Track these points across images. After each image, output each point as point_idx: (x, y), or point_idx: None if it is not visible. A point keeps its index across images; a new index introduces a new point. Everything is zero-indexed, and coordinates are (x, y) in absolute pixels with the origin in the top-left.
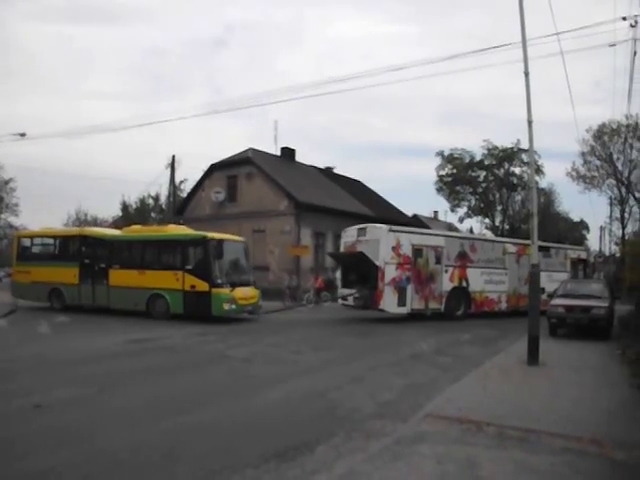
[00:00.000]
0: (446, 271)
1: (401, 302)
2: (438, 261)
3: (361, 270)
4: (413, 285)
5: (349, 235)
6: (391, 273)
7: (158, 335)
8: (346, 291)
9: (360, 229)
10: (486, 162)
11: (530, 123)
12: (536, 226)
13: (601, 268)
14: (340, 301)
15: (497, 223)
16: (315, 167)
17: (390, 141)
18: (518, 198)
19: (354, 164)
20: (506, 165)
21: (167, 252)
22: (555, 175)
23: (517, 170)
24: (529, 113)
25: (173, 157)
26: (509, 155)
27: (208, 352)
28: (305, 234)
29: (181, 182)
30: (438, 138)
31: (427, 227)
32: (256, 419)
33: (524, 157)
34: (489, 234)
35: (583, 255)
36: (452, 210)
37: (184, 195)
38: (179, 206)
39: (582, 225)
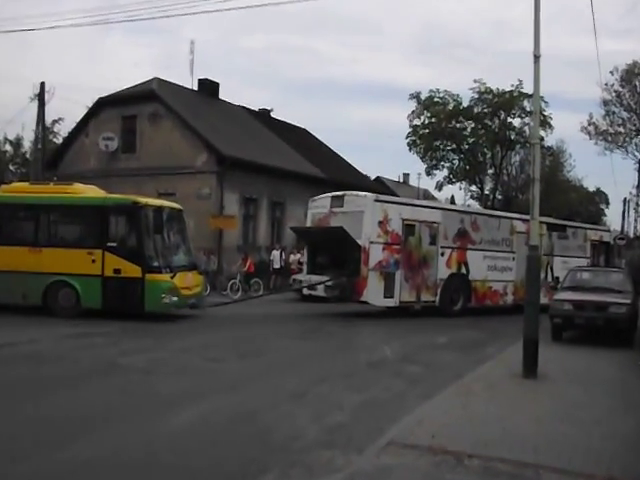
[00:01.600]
0: (442, 254)
1: (388, 292)
2: (433, 241)
3: (336, 251)
4: (403, 271)
5: (320, 205)
6: (377, 255)
7: (25, 338)
8: (315, 278)
9: (335, 198)
10: (476, 110)
11: (537, 58)
12: (537, 195)
13: (623, 253)
14: (305, 291)
15: (487, 191)
16: (246, 109)
17: (349, 77)
18: (516, 159)
19: (299, 107)
20: (502, 115)
21: (77, 223)
22: (566, 130)
23: (516, 122)
24: (536, 44)
25: (42, 85)
26: (507, 101)
27: (92, 360)
28: (230, 200)
29: (54, 122)
30: (413, 76)
31: (394, 195)
32: (160, 452)
33: (527, 104)
34: (476, 206)
35: (606, 237)
36: (428, 173)
37: (59, 141)
38: (51, 157)
39: (599, 196)
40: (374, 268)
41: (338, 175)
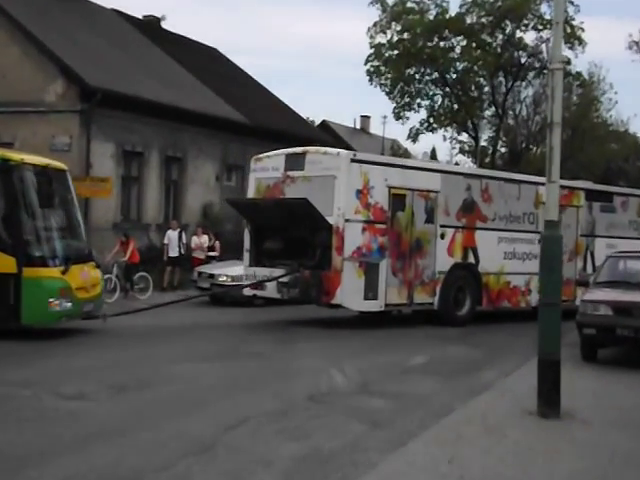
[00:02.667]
0: (443, 236)
1: (370, 291)
2: (430, 218)
3: (295, 233)
4: (390, 261)
5: (268, 167)
6: (355, 238)
7: None
8: (262, 271)
9: (292, 157)
10: (469, 20)
11: None
12: (558, 147)
13: None
14: (247, 292)
15: (484, 142)
16: (125, 15)
17: None
18: (528, 94)
19: (206, 16)
20: (508, 27)
21: None
22: (606, 48)
23: (529, 37)
24: None
25: None
26: (516, 6)
27: None
28: (102, 154)
29: None
30: None
31: (349, 147)
32: None
33: (546, 11)
34: (468, 164)
35: None
36: (398, 116)
37: None
38: None
39: None
40: (351, 257)
41: (266, 119)
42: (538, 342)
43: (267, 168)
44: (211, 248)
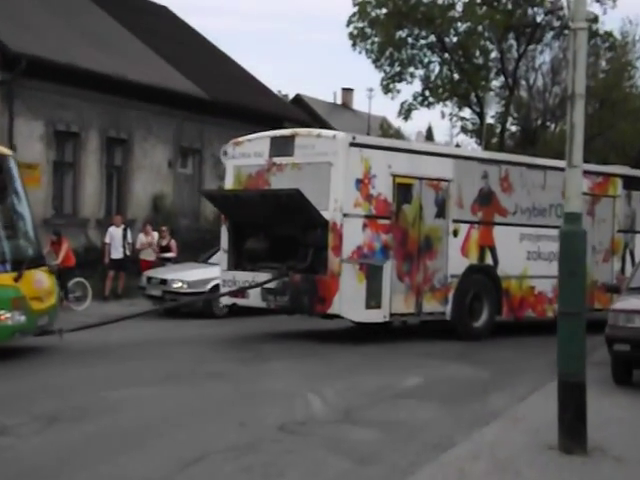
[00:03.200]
0: (456, 233)
1: (373, 298)
2: (441, 212)
3: (283, 230)
4: (395, 262)
5: (250, 152)
6: (355, 236)
7: None
8: (243, 276)
9: (279, 140)
10: None
11: None
12: (581, 124)
13: None
14: (225, 300)
15: (491, 119)
16: None
17: None
18: (543, 60)
19: None
20: None
21: None
22: None
23: None
24: None
25: None
26: None
27: None
28: (29, 134)
29: None
30: None
31: (327, 126)
32: None
33: None
34: (471, 145)
35: None
36: (387, 88)
37: None
38: None
39: None
40: (351, 258)
41: (228, 93)
42: (557, 360)
43: (248, 154)
44: (165, 248)
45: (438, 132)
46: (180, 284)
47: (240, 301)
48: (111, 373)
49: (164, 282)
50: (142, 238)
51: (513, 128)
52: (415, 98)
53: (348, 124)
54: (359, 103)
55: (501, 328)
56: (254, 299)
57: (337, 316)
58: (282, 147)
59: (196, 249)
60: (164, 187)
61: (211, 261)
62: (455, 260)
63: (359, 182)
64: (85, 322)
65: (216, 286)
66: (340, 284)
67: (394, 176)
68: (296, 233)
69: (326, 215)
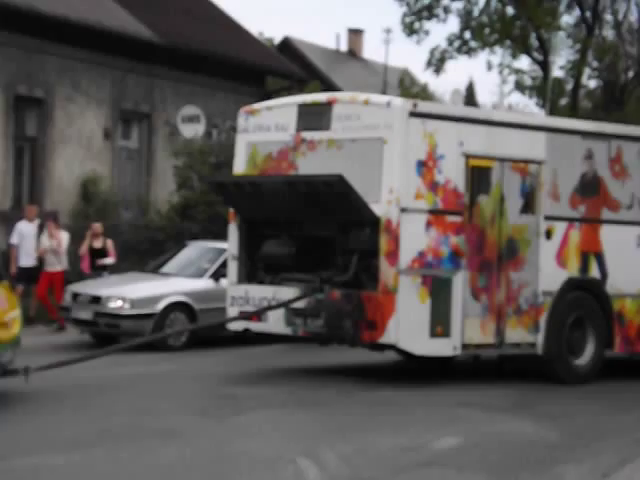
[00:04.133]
0: (549, 234)
1: (439, 323)
2: (529, 205)
3: (314, 230)
4: (468, 274)
5: (270, 124)
6: (416, 239)
7: None
8: (259, 291)
9: (310, 107)
10: None
11: None
12: None
13: None
14: (235, 326)
15: (559, 70)
16: None
17: None
18: None
19: None
20: None
21: None
22: None
23: None
24: None
25: None
26: None
27: None
28: None
29: None
30: None
31: (327, 82)
32: None
33: None
34: (530, 110)
35: None
36: (411, 29)
37: None
38: None
39: None
40: (411, 269)
41: (189, 36)
42: None
43: (267, 126)
44: (99, 252)
45: (482, 90)
46: (119, 303)
47: (255, 326)
48: (19, 432)
49: (96, 300)
50: (44, 241)
51: (592, 83)
52: (450, 42)
53: (356, 78)
54: (371, 50)
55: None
56: (275, 323)
57: (391, 348)
58: (314, 118)
59: (143, 254)
60: (98, 166)
61: (164, 270)
62: (548, 271)
63: (421, 165)
64: (60, 359)
65: (171, 306)
66: (397, 303)
67: (467, 157)
68: (333, 234)
69: (377, 210)
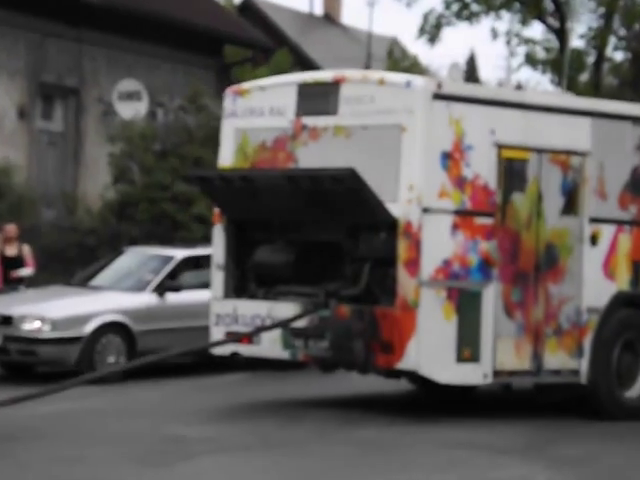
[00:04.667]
0: (594, 239)
1: (467, 345)
2: (571, 205)
3: (316, 234)
4: (501, 287)
5: (264, 106)
6: (440, 245)
7: None
8: (252, 307)
9: (316, 87)
10: None
11: None
12: None
13: None
14: (219, 350)
15: (578, 40)
16: None
17: None
18: None
19: None
20: None
21: None
22: None
23: None
24: None
25: None
26: None
27: None
28: None
29: None
30: None
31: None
32: None
33: None
34: (543, 88)
35: None
36: None
37: None
38: None
39: None
40: (434, 280)
41: None
42: None
43: (260, 110)
44: (16, 261)
45: (485, 64)
46: (36, 324)
47: (245, 349)
48: None
49: (7, 321)
50: None
51: (618, 55)
52: (448, 6)
53: (334, 48)
54: (352, 15)
55: None
56: (270, 346)
57: (411, 375)
58: (318, 100)
59: (69, 262)
60: (11, 153)
61: (95, 283)
62: (594, 284)
63: (447, 157)
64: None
65: (103, 327)
66: (418, 321)
67: (500, 147)
68: (340, 239)
69: (395, 211)
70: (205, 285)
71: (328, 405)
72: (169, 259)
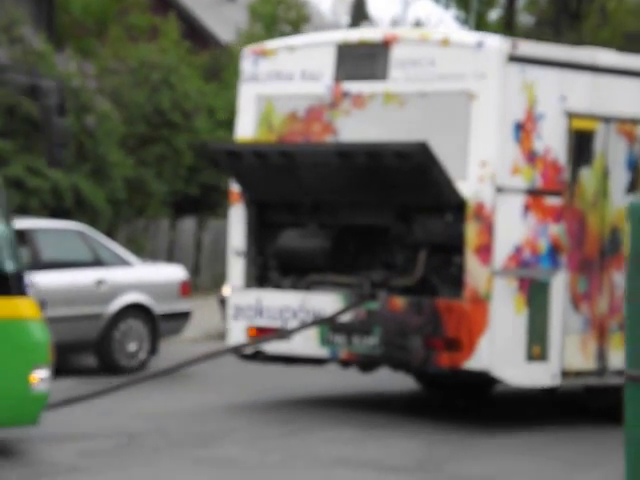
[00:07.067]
0: None
1: (537, 343)
2: (637, 182)
3: (360, 217)
4: (569, 276)
5: (294, 70)
6: (512, 229)
7: None
8: (280, 298)
9: (360, 47)
10: None
11: None
12: None
13: None
14: (245, 349)
15: None
16: None
17: None
18: None
19: None
20: None
21: None
22: None
23: None
24: None
25: None
26: None
27: None
28: None
29: None
30: None
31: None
32: None
33: None
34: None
35: None
36: None
37: None
38: None
39: None
40: (507, 269)
41: None
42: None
43: (289, 74)
44: None
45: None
46: None
47: (272, 347)
48: None
49: None
50: None
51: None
52: None
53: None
54: None
55: None
56: (304, 342)
57: (480, 376)
58: (363, 62)
59: None
60: None
61: None
62: None
63: (519, 128)
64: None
65: None
66: (490, 315)
67: (570, 116)
68: (387, 222)
69: (464, 190)
70: None
71: (262, 408)
72: None
